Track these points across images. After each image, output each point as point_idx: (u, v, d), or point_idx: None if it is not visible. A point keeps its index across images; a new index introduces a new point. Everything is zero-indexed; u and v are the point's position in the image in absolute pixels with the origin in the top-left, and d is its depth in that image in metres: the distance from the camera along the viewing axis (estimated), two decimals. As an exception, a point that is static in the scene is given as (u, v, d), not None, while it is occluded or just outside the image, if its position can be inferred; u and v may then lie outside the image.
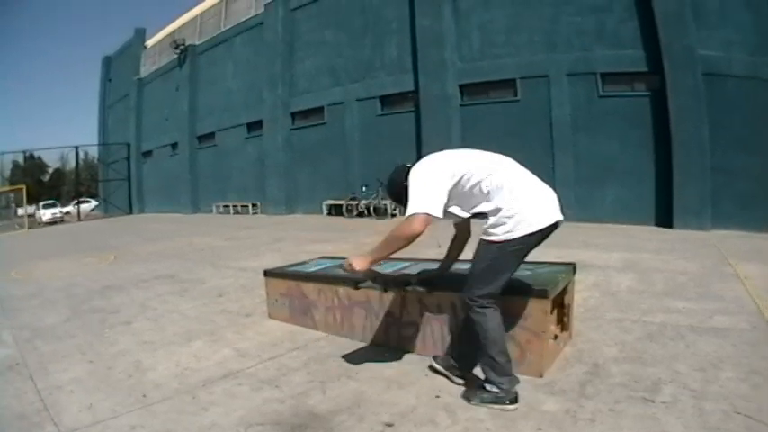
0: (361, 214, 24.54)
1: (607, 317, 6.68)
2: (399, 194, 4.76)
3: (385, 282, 5.52)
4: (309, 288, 6.90)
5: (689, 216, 15.97)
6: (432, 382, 4.90)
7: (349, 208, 25.08)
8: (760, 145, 15.10)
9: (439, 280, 5.47)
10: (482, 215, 4.33)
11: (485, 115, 20.97)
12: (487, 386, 4.37)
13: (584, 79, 18.87)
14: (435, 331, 5.55)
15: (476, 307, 4.32)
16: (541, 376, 4.77)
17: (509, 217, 4.16)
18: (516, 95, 20.44)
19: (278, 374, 5.42)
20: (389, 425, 4.12)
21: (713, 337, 5.84)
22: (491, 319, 4.31)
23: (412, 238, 4.12)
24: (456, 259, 5.36)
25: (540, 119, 19.46)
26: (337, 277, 6.69)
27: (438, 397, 4.58)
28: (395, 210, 23.52)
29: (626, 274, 9.18)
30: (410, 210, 4.16)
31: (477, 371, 4.62)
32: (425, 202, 4.16)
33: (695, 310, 6.91)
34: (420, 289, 5.26)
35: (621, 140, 17.55)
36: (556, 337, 5.00)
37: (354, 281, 4.81)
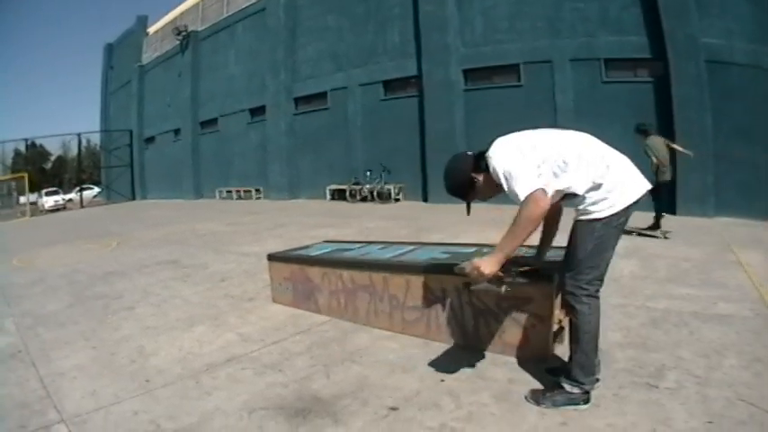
0: (364, 199, 24.42)
1: (610, 302, 6.63)
2: (463, 186, 4.48)
3: (501, 280, 4.55)
4: (313, 272, 6.90)
5: (692, 203, 15.93)
6: (435, 367, 4.89)
7: (352, 193, 25.03)
8: (762, 133, 15.06)
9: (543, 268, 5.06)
10: (571, 195, 4.10)
11: (488, 100, 20.88)
12: (567, 386, 4.15)
13: (587, 65, 18.83)
14: (440, 315, 5.54)
15: (583, 296, 4.09)
16: (546, 361, 4.76)
17: (610, 190, 3.98)
18: (520, 81, 20.39)
19: (281, 359, 5.42)
20: (394, 409, 4.13)
21: (716, 324, 5.84)
22: (595, 311, 4.11)
23: (541, 217, 3.88)
24: (552, 242, 5.11)
25: (544, 104, 19.41)
26: (341, 261, 6.71)
27: (442, 381, 4.58)
28: (398, 194, 23.46)
29: (629, 260, 9.15)
30: (522, 191, 3.85)
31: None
32: (532, 179, 3.90)
33: (698, 297, 6.90)
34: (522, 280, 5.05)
35: (624, 126, 17.49)
36: (560, 321, 4.99)
37: (468, 282, 4.41)
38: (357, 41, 25.66)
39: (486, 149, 4.29)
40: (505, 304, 4.88)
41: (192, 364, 5.43)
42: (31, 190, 44.47)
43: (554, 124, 18.43)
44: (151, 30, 46.76)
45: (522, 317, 4.85)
